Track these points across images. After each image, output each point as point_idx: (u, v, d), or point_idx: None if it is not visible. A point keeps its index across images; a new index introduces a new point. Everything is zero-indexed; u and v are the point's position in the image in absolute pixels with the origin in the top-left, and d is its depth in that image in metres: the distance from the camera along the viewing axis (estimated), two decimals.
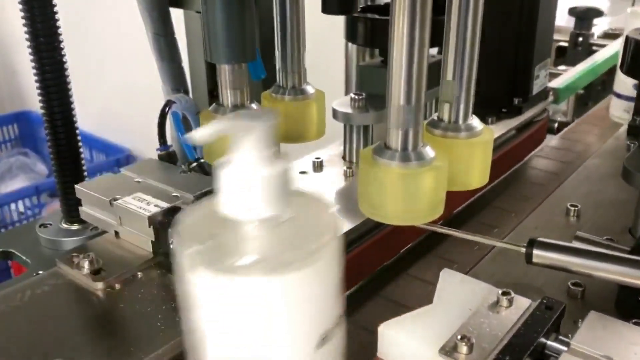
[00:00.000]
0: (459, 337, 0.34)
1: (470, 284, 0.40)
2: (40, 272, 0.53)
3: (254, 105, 0.40)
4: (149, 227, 0.50)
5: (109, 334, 0.44)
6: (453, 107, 0.36)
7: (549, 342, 0.36)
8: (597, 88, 1.12)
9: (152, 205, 0.51)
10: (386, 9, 0.59)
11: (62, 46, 0.58)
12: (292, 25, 0.43)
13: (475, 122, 0.37)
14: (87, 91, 1.88)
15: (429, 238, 0.64)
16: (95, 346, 0.42)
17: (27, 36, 0.57)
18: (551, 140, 0.88)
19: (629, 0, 1.54)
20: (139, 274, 0.49)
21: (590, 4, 1.20)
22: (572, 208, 0.56)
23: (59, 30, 0.58)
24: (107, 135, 1.96)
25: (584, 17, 1.14)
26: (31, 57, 0.58)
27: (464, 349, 0.34)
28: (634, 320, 0.39)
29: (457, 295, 0.39)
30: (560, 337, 0.36)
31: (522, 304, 0.38)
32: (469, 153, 0.36)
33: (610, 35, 1.19)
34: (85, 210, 0.55)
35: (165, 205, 0.51)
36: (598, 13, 1.16)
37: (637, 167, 0.47)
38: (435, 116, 0.37)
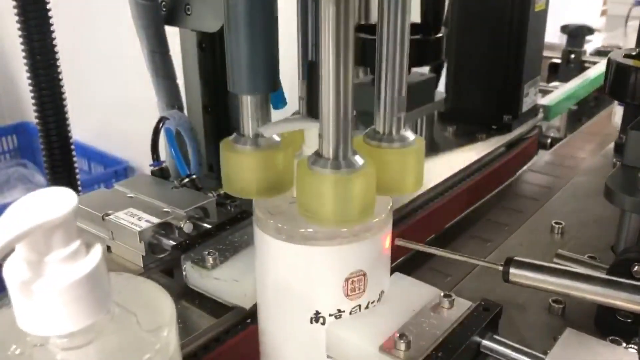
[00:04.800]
0: (398, 335, 0.36)
1: (417, 287, 0.42)
2: None
3: (275, 136, 0.40)
4: (140, 242, 0.51)
5: None
6: (387, 119, 0.38)
7: (484, 341, 0.38)
8: (590, 104, 1.14)
9: (144, 221, 0.52)
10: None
11: (58, 64, 0.60)
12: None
13: (407, 133, 0.39)
14: (87, 103, 1.89)
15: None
16: None
17: (24, 54, 0.58)
18: (543, 156, 0.89)
19: (623, 18, 1.57)
20: None
21: (583, 22, 1.22)
22: (557, 225, 0.57)
23: (56, 48, 0.59)
24: (106, 147, 1.97)
25: (576, 34, 1.16)
26: (27, 74, 0.59)
27: (402, 346, 0.36)
28: (611, 338, 0.39)
29: (403, 297, 0.41)
30: (495, 336, 0.38)
31: (463, 305, 0.40)
32: (402, 161, 0.38)
33: (603, 53, 1.21)
34: (78, 224, 0.56)
35: (156, 220, 0.52)
36: (589, 31, 1.18)
37: (618, 186, 0.48)
38: (372, 128, 0.39)
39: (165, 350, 0.26)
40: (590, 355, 0.36)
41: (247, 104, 0.38)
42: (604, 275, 0.37)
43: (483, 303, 0.40)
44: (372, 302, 0.40)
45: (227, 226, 0.52)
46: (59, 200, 0.23)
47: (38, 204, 0.23)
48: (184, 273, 0.49)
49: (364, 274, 0.38)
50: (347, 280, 0.37)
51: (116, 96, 1.86)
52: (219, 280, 0.47)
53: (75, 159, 0.65)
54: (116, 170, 1.84)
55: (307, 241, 0.36)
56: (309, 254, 0.37)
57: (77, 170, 0.64)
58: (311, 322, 0.38)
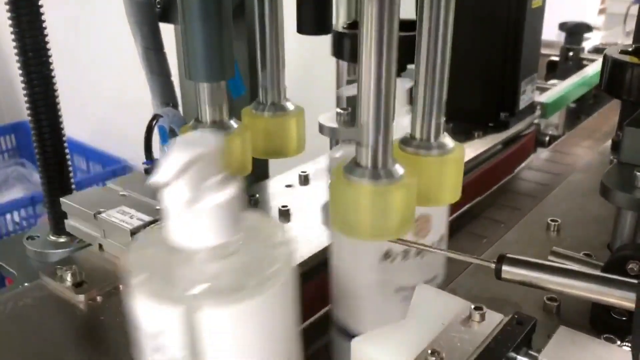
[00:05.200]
0: (429, 351, 0.35)
1: (444, 298, 0.40)
2: (26, 284, 0.53)
3: (232, 122, 0.41)
4: (132, 240, 0.50)
5: (89, 346, 0.44)
6: (425, 124, 0.37)
7: (519, 357, 0.36)
8: (589, 102, 1.13)
9: (135, 219, 0.52)
10: None
11: (50, 61, 0.59)
12: (271, 42, 0.44)
13: (447, 139, 0.37)
14: (86, 102, 1.89)
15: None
16: (75, 358, 0.43)
17: (15, 51, 0.58)
18: (541, 154, 0.88)
19: (621, 16, 1.56)
20: (121, 286, 0.50)
21: (582, 19, 1.22)
22: (553, 223, 0.56)
23: (49, 45, 0.59)
24: (104, 147, 1.96)
25: (574, 32, 1.15)
26: (20, 71, 0.58)
27: None
28: (605, 336, 0.39)
29: (430, 309, 0.39)
30: (530, 351, 0.36)
31: (494, 319, 0.38)
32: (440, 170, 0.37)
33: (601, 50, 1.20)
34: (71, 223, 0.56)
35: (148, 218, 0.52)
36: (588, 28, 1.17)
37: (614, 183, 0.48)
38: (407, 134, 0.38)
39: (288, 261, 0.30)
40: (584, 353, 0.35)
41: (204, 91, 0.39)
42: (597, 273, 0.36)
43: (516, 316, 0.38)
44: (434, 245, 0.43)
45: None
46: (210, 140, 0.28)
47: (195, 142, 0.28)
48: None
49: (430, 217, 0.42)
50: (415, 221, 0.39)
51: (115, 95, 1.86)
52: None
53: (70, 157, 0.65)
54: (114, 170, 1.83)
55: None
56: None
57: (70, 168, 0.64)
58: (382, 260, 0.42)
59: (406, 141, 0.37)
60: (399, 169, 0.33)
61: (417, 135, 0.37)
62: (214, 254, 0.29)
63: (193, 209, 0.27)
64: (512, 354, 0.36)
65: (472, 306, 0.38)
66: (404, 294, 0.43)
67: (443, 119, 0.37)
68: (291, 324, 0.31)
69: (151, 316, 0.28)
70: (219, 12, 0.37)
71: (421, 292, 0.41)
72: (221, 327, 0.28)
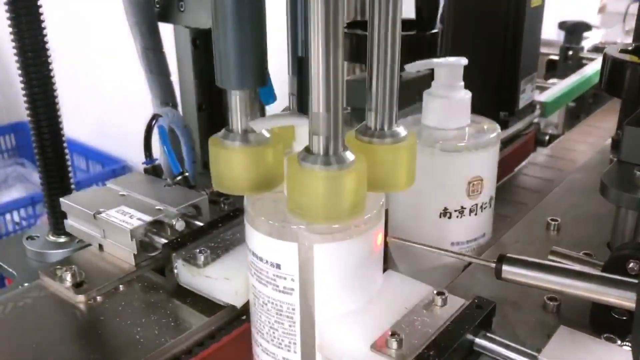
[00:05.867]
0: (390, 333, 0.36)
1: (409, 284, 0.42)
2: (26, 284, 0.53)
3: (265, 132, 0.40)
4: (131, 240, 0.50)
5: (88, 346, 0.44)
6: (379, 115, 0.38)
7: (477, 339, 0.38)
8: (589, 101, 1.13)
9: (135, 219, 0.52)
10: None
11: (50, 61, 0.59)
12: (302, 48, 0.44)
13: (399, 128, 0.39)
14: (84, 102, 1.89)
15: None
16: (74, 358, 0.43)
17: (15, 51, 0.58)
18: (541, 153, 0.88)
19: (621, 15, 1.56)
20: (121, 287, 0.50)
21: (581, 18, 1.22)
22: (553, 222, 0.56)
23: (48, 45, 0.59)
24: (104, 146, 1.96)
25: (573, 31, 1.15)
26: (19, 71, 0.58)
27: (394, 344, 0.36)
28: (605, 335, 0.39)
29: (396, 294, 0.41)
30: (489, 334, 0.38)
31: (456, 303, 0.40)
32: (394, 157, 0.39)
33: (600, 49, 1.20)
34: (70, 223, 0.56)
35: (148, 218, 0.52)
36: (587, 27, 1.17)
37: (614, 182, 0.48)
38: (364, 124, 0.40)
39: (380, 210, 0.40)
40: (584, 353, 0.35)
41: (236, 99, 0.38)
42: (597, 272, 0.36)
43: (476, 301, 0.39)
44: (485, 204, 0.51)
45: (219, 224, 0.51)
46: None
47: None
48: (175, 271, 0.48)
49: (482, 179, 0.49)
50: (469, 183, 0.49)
51: (115, 95, 1.85)
52: (210, 278, 0.46)
53: (70, 157, 0.65)
54: (114, 169, 1.83)
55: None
56: (441, 161, 0.43)
57: (70, 168, 0.64)
58: (440, 217, 0.50)
59: (362, 131, 0.39)
60: (349, 156, 0.34)
61: (372, 125, 0.39)
62: None
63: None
64: (470, 336, 0.38)
65: (435, 291, 0.40)
66: (458, 247, 0.52)
67: (396, 109, 0.39)
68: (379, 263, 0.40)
69: (272, 250, 0.37)
70: (253, 16, 0.36)
71: (388, 278, 0.43)
72: (327, 258, 0.36)
